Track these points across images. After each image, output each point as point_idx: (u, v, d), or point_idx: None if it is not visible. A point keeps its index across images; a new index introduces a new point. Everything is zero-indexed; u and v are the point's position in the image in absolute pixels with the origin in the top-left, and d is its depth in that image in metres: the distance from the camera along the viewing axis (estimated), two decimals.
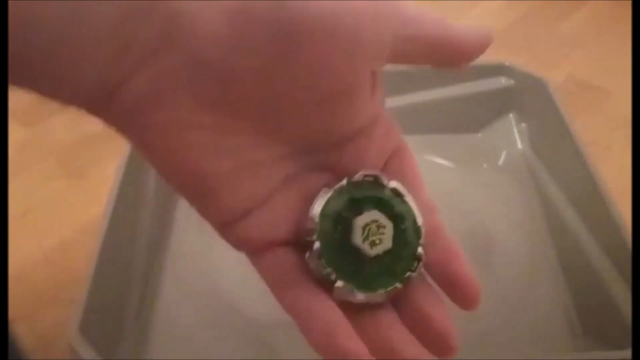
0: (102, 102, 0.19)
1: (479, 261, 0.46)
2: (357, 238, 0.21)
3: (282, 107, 0.20)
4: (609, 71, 0.66)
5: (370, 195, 0.22)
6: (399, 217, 0.22)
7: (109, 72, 0.18)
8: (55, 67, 0.18)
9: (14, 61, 0.17)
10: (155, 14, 0.18)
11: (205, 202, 0.21)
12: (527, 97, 0.55)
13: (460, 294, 0.22)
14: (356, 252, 0.21)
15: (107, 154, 0.56)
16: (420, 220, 0.22)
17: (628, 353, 0.34)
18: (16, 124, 0.59)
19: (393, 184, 0.22)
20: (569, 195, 0.48)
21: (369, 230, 0.21)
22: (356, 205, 0.21)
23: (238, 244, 0.22)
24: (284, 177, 0.22)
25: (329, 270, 0.21)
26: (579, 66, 0.67)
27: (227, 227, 0.22)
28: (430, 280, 0.23)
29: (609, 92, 0.63)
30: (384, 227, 0.21)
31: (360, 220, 0.21)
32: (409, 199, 0.22)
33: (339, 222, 0.21)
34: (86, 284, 0.37)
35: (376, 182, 0.22)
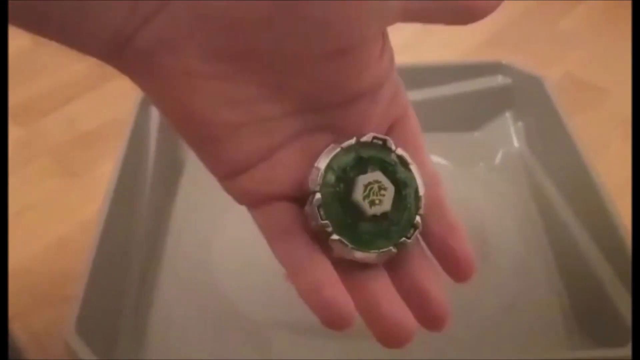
0: (116, 52, 0.19)
1: (474, 259, 0.46)
2: (358, 195, 0.21)
3: (287, 61, 0.20)
4: (606, 70, 0.66)
5: (376, 156, 0.22)
6: (401, 183, 0.22)
7: (123, 24, 0.19)
8: (74, 19, 0.18)
9: (35, 13, 0.18)
10: None
11: (209, 151, 0.22)
12: (524, 96, 0.55)
13: (455, 268, 0.23)
14: (355, 208, 0.21)
15: (103, 153, 0.56)
16: (422, 190, 0.22)
17: (624, 351, 0.34)
18: (11, 123, 0.59)
19: (400, 151, 0.22)
20: (565, 193, 0.48)
21: (371, 189, 0.21)
22: (362, 164, 0.22)
23: (239, 196, 0.23)
24: (288, 134, 0.22)
25: (326, 222, 0.21)
26: (576, 65, 0.67)
27: (229, 178, 0.22)
28: (428, 252, 0.23)
29: (606, 90, 0.63)
30: (385, 189, 0.21)
31: (364, 179, 0.21)
32: (413, 167, 0.22)
33: (342, 177, 0.21)
34: (82, 282, 0.37)
35: (384, 146, 0.22)
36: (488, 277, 0.44)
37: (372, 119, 0.22)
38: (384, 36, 0.21)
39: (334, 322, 0.20)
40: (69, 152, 0.57)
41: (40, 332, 0.42)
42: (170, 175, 0.52)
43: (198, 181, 0.24)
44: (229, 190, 0.23)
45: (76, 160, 0.56)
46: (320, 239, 0.21)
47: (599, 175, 0.44)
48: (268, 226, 0.22)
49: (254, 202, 0.23)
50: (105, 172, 0.45)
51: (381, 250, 0.22)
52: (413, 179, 0.22)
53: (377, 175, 0.21)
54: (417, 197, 0.22)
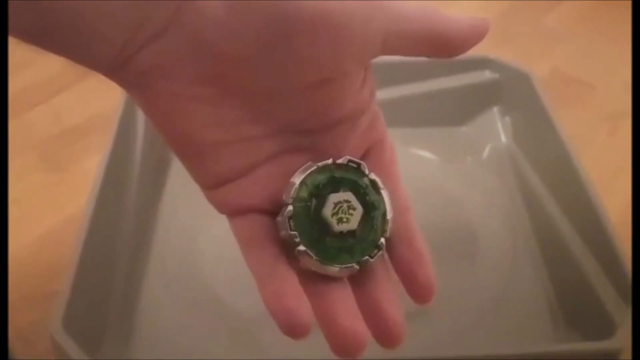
0: (117, 70, 0.21)
1: (461, 254, 0.46)
2: (328, 211, 0.23)
3: (272, 90, 0.22)
4: (593, 65, 0.66)
5: (349, 178, 0.23)
6: (370, 205, 0.23)
7: (124, 46, 0.20)
8: (77, 40, 0.20)
9: (43, 33, 0.20)
10: None
11: (194, 164, 0.23)
12: (511, 91, 0.55)
13: (417, 292, 0.24)
14: (323, 224, 0.23)
15: (89, 147, 0.55)
16: (390, 214, 0.23)
17: (609, 343, 0.34)
18: None
19: (373, 176, 0.24)
20: (552, 188, 0.48)
21: (340, 207, 0.23)
22: (335, 183, 0.23)
23: (219, 206, 0.24)
24: (268, 153, 0.23)
25: (294, 232, 0.22)
26: (563, 60, 0.67)
27: (211, 190, 0.24)
28: (394, 274, 0.24)
29: (592, 86, 0.64)
30: (354, 209, 0.23)
31: (335, 197, 0.23)
32: (384, 192, 0.24)
33: (315, 194, 0.23)
34: (69, 277, 0.37)
35: (358, 170, 0.24)
36: (475, 271, 0.45)
37: (349, 143, 0.24)
38: (366, 68, 0.23)
39: (292, 329, 0.21)
40: (54, 146, 0.57)
41: (26, 328, 0.42)
42: (157, 170, 0.51)
43: (185, 176, 0.24)
44: (210, 200, 0.24)
45: (62, 154, 0.56)
46: (288, 249, 0.23)
47: (585, 169, 0.44)
48: (242, 235, 0.24)
49: (232, 212, 0.24)
50: (91, 166, 0.45)
51: (344, 265, 0.23)
52: (382, 202, 0.23)
53: (347, 195, 0.23)
54: (384, 220, 0.23)
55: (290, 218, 0.22)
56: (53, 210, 0.50)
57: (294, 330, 0.21)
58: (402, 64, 0.53)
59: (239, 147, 0.23)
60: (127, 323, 0.41)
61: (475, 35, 0.23)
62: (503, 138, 0.55)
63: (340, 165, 0.23)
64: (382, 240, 0.23)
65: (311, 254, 0.22)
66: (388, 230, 0.23)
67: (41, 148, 0.56)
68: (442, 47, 0.23)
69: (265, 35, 0.20)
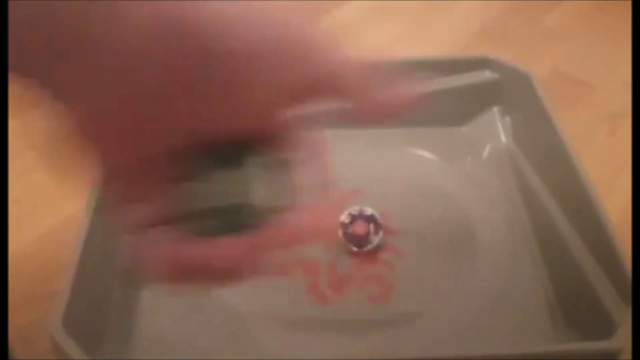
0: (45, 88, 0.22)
1: (461, 253, 0.46)
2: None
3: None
4: (593, 65, 0.66)
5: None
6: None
7: (35, 62, 0.20)
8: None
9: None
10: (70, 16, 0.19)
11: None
12: (511, 91, 0.55)
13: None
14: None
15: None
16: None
17: (609, 343, 0.34)
18: None
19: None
20: (551, 188, 0.48)
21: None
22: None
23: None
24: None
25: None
26: (563, 60, 0.67)
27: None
28: None
29: (592, 85, 0.64)
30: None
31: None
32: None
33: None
34: (69, 277, 0.37)
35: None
36: (474, 270, 0.45)
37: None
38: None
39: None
40: (54, 146, 0.57)
41: (26, 328, 0.41)
42: None
43: None
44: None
45: (62, 155, 0.56)
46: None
47: (585, 169, 0.44)
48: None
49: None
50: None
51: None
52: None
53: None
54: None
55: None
56: (53, 210, 0.50)
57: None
58: (402, 64, 0.53)
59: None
60: (127, 323, 0.41)
61: (404, 109, 0.24)
62: (503, 138, 0.55)
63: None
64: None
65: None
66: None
67: (41, 148, 0.56)
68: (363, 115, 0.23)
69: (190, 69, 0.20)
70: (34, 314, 0.42)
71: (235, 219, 0.24)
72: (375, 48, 0.63)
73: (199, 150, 0.24)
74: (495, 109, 0.56)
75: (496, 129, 0.56)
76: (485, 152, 0.55)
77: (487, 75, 0.56)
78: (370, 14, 0.73)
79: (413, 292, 0.43)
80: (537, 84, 0.52)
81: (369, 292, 0.43)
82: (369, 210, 0.47)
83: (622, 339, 0.34)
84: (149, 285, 0.44)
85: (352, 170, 0.46)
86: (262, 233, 0.24)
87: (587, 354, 0.34)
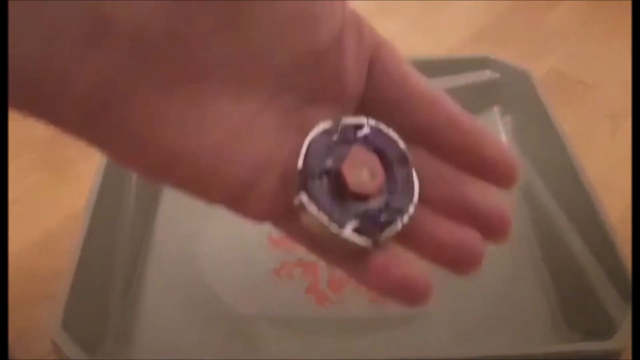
0: (50, 105, 0.17)
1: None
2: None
3: (240, 57, 0.18)
4: (593, 65, 0.66)
5: None
6: None
7: (42, 67, 0.16)
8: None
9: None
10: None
11: (205, 183, 0.20)
12: (511, 91, 0.55)
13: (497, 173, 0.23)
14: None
15: (89, 148, 0.55)
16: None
17: (609, 343, 0.34)
18: None
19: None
20: (552, 188, 0.48)
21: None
22: None
23: (258, 217, 0.21)
24: (276, 125, 0.20)
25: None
26: (562, 59, 0.67)
27: (239, 202, 0.20)
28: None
29: (591, 85, 0.64)
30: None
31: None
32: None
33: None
34: (68, 278, 0.37)
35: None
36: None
37: (344, 70, 0.21)
38: None
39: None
40: (54, 147, 0.57)
41: (25, 330, 0.41)
42: None
43: None
44: (245, 215, 0.21)
45: (62, 155, 0.56)
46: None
47: (585, 169, 0.44)
48: (302, 238, 0.22)
49: (275, 216, 0.21)
50: (91, 167, 0.45)
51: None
52: None
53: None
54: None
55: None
56: (53, 210, 0.50)
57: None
58: None
59: (246, 134, 0.19)
60: (127, 323, 0.41)
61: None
62: (503, 137, 0.55)
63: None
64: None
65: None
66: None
67: (41, 148, 0.56)
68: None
69: (213, 12, 0.17)
70: (34, 314, 0.42)
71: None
72: None
73: None
74: (495, 109, 0.56)
75: (497, 129, 0.56)
76: None
77: (487, 75, 0.56)
78: (370, 13, 0.73)
79: None
80: (537, 83, 0.52)
81: (369, 292, 0.43)
82: None
83: (622, 339, 0.34)
84: (149, 286, 0.44)
85: None
86: None
87: (587, 354, 0.34)
